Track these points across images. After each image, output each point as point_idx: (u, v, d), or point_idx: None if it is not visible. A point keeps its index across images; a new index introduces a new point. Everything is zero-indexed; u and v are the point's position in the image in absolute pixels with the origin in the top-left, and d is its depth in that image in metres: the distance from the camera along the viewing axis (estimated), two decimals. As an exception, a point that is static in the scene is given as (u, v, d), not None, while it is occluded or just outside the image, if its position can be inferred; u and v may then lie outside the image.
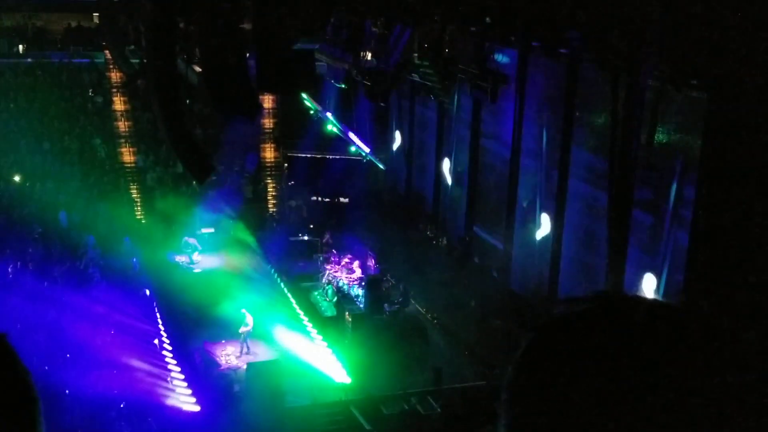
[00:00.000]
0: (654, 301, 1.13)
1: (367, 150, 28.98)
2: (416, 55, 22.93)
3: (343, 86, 23.78)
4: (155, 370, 19.15)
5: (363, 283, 22.99)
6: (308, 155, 31.16)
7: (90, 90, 35.67)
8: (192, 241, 25.79)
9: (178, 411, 17.86)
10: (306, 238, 27.11)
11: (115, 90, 28.33)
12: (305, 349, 20.07)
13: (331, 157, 30.80)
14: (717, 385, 1.02)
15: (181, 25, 18.12)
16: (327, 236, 26.84)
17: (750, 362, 1.07)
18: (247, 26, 15.53)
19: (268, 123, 29.56)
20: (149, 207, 28.53)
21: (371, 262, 24.66)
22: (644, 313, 1.10)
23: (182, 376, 19.07)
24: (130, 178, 29.22)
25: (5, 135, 30.96)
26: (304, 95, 27.35)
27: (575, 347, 1.08)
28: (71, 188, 28.40)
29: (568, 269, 20.00)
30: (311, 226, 27.84)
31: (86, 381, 17.30)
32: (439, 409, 17.51)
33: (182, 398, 18.29)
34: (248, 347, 20.08)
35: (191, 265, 25.70)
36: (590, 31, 15.96)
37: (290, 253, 26.01)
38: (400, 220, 28.29)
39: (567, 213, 19.67)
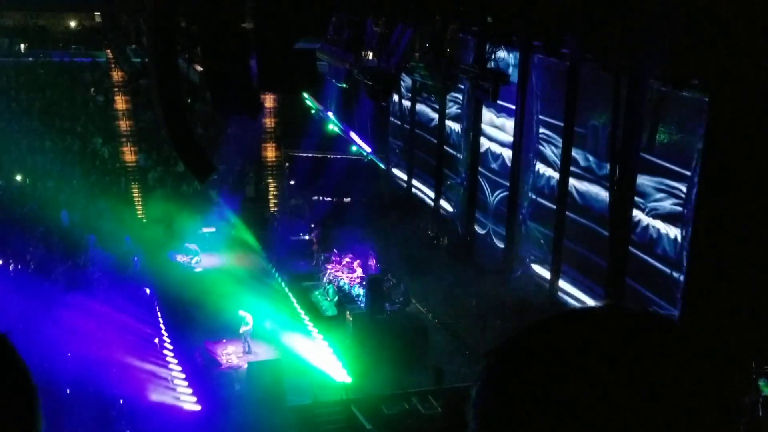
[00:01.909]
0: (623, 311, 1.07)
1: (369, 149, 28.99)
2: (417, 54, 22.94)
3: (344, 86, 23.80)
4: (156, 369, 19.15)
5: (364, 283, 22.99)
6: (309, 155, 31.17)
7: (91, 89, 35.71)
8: (193, 246, 25.77)
9: (178, 410, 17.87)
10: (307, 237, 27.11)
11: (116, 89, 28.34)
12: (306, 348, 20.07)
13: (332, 156, 30.80)
14: (683, 401, 0.98)
15: (183, 24, 18.13)
16: (314, 233, 26.81)
17: (731, 375, 1.02)
18: (248, 26, 15.53)
19: (269, 122, 29.54)
20: (150, 206, 28.53)
21: (372, 262, 24.65)
22: (607, 326, 1.05)
23: (183, 375, 19.07)
24: (131, 177, 29.23)
25: (7, 134, 30.99)
26: (305, 95, 27.37)
27: (536, 363, 1.04)
28: (72, 187, 28.42)
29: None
30: (312, 226, 27.84)
31: (87, 380, 17.30)
32: (440, 409, 17.50)
33: (183, 397, 18.30)
34: (249, 346, 20.09)
35: (192, 265, 25.71)
36: (591, 31, 15.96)
37: (291, 253, 26.00)
38: (401, 219, 28.31)
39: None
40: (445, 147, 27.12)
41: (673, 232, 16.84)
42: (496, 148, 24.05)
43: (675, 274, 16.81)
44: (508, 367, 1.06)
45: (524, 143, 21.81)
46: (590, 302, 17.10)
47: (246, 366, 18.91)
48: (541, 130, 21.53)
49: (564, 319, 1.08)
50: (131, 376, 18.22)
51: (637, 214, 17.56)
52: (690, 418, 0.97)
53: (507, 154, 23.18)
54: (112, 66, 27.69)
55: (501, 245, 23.68)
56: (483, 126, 24.42)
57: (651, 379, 0.98)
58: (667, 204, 16.95)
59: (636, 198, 17.29)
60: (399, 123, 30.86)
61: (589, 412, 0.97)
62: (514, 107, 21.45)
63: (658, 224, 17.20)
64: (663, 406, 0.97)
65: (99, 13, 34.51)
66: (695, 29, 13.52)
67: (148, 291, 22.95)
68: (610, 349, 1.01)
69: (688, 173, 16.19)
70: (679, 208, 16.61)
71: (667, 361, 1.00)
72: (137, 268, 24.27)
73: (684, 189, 16.42)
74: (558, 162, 20.55)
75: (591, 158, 19.42)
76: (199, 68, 18.13)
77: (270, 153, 30.20)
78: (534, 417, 1.00)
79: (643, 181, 17.28)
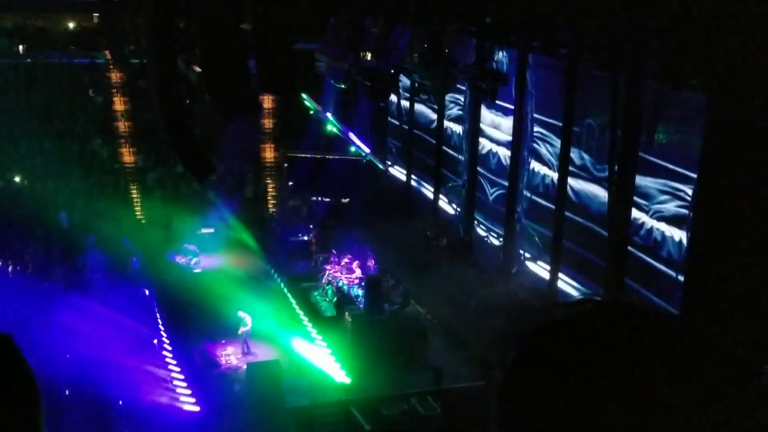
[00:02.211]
0: (645, 307, 1.10)
1: (367, 150, 29.01)
2: (416, 55, 22.97)
3: (343, 86, 23.83)
4: (155, 371, 19.14)
5: (363, 284, 22.98)
6: (308, 155, 31.16)
7: (90, 90, 35.67)
8: (192, 247, 25.76)
9: (177, 411, 17.85)
10: (306, 238, 27.11)
11: (115, 90, 28.34)
12: (305, 349, 20.06)
13: (331, 157, 30.81)
14: (701, 393, 1.00)
15: (181, 25, 18.14)
16: (313, 234, 26.78)
17: (736, 371, 1.04)
18: (247, 26, 15.53)
19: (268, 123, 29.55)
20: (149, 207, 28.52)
21: (371, 262, 24.65)
22: (634, 320, 1.08)
23: (182, 376, 19.06)
24: (130, 178, 29.24)
25: (6, 135, 30.97)
26: (304, 95, 27.39)
27: (565, 354, 1.06)
28: (71, 188, 28.41)
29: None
30: (311, 226, 27.85)
31: (86, 381, 17.29)
32: (439, 410, 17.51)
33: (182, 398, 18.29)
34: (248, 347, 20.08)
35: (191, 266, 25.70)
36: (590, 31, 15.97)
37: (290, 254, 26.00)
38: (400, 219, 28.31)
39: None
40: (446, 149, 27.15)
41: (678, 234, 16.70)
42: (494, 147, 24.12)
43: (680, 278, 16.60)
44: (541, 355, 1.08)
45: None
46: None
47: (245, 367, 18.90)
48: (536, 128, 21.55)
49: (593, 312, 1.11)
50: (130, 377, 18.21)
51: (641, 216, 17.46)
52: (694, 416, 0.98)
53: (502, 152, 23.24)
54: (111, 67, 27.69)
55: (498, 244, 23.72)
56: (484, 127, 24.45)
57: (652, 376, 1.00)
58: (672, 206, 16.80)
59: (640, 200, 17.20)
60: (398, 123, 30.88)
61: (591, 412, 0.99)
62: (509, 106, 21.48)
63: (663, 227, 17.10)
64: (664, 404, 0.98)
65: (98, 15, 34.57)
66: (695, 29, 13.52)
67: (147, 292, 22.95)
68: (613, 348, 1.03)
69: (694, 175, 15.98)
70: (684, 211, 16.38)
71: (668, 359, 1.02)
72: (136, 269, 24.26)
73: (689, 191, 16.24)
74: (553, 160, 20.57)
75: (586, 157, 19.42)
76: (198, 69, 18.14)
77: (269, 154, 30.20)
78: (563, 402, 1.02)
79: (647, 182, 17.13)
